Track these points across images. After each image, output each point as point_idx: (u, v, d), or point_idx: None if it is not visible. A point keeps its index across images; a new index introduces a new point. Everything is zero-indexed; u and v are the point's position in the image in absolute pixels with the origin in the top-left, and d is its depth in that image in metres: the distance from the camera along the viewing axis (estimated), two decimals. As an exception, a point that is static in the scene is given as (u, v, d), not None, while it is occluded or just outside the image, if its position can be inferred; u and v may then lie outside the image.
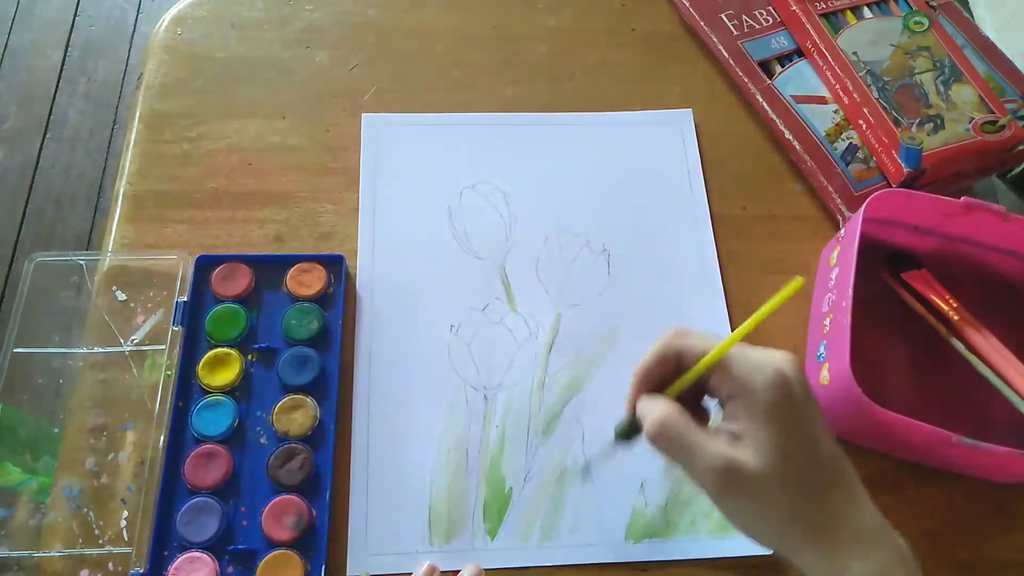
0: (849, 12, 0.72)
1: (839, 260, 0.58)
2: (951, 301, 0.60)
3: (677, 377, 0.42)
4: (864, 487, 0.41)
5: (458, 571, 0.50)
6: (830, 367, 0.54)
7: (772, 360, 0.39)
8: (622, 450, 0.45)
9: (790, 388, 0.39)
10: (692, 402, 0.43)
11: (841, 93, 0.68)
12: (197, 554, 0.51)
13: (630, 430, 0.44)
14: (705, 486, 0.40)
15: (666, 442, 0.40)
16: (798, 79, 0.71)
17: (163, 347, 0.57)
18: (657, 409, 0.40)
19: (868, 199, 0.57)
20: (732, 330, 0.61)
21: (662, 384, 0.43)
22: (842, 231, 0.60)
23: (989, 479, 0.56)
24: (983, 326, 0.58)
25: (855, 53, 0.69)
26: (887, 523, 0.40)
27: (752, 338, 0.62)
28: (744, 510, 0.40)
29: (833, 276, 0.58)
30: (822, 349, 0.56)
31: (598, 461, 0.55)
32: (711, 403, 0.44)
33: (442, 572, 0.49)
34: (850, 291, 0.53)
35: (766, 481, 0.38)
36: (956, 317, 0.59)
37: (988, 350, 0.57)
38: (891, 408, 0.49)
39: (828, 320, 0.57)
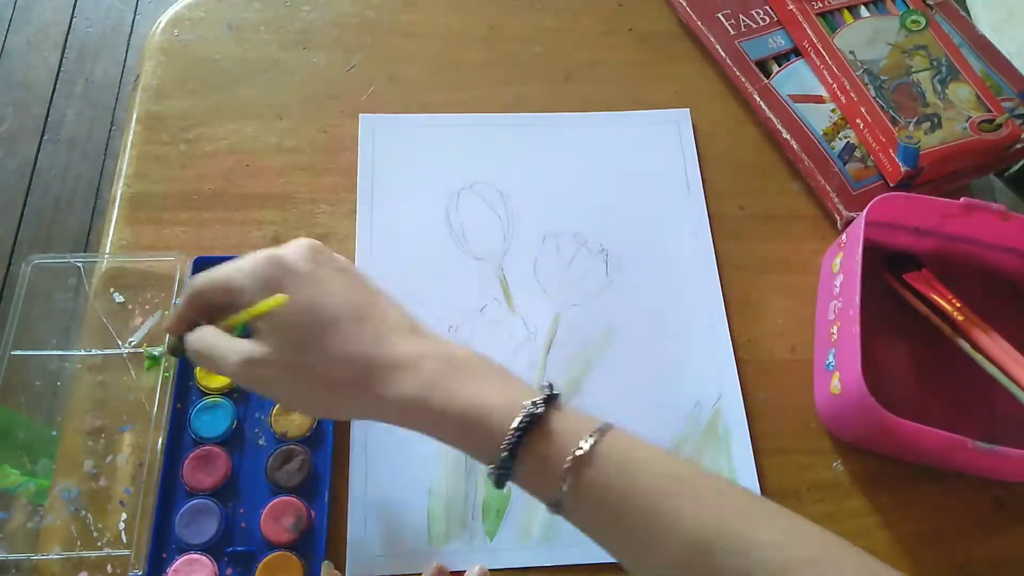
0: (846, 11, 0.72)
1: (842, 266, 0.58)
2: (954, 301, 0.60)
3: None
4: (409, 324, 0.43)
5: (462, 571, 0.50)
6: (841, 377, 0.54)
7: (265, 252, 0.42)
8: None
9: (276, 273, 0.41)
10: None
11: (838, 92, 0.68)
12: (196, 556, 0.51)
13: (175, 349, 0.46)
14: (242, 383, 0.43)
15: (202, 350, 0.43)
16: (795, 78, 0.71)
17: (159, 348, 0.57)
18: (196, 332, 0.44)
19: (869, 204, 0.57)
20: (731, 329, 0.61)
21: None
22: (843, 236, 0.60)
23: (997, 479, 0.56)
24: (987, 325, 0.58)
25: (852, 52, 0.69)
26: (432, 338, 0.42)
27: (753, 338, 0.62)
28: (281, 391, 0.42)
29: (837, 283, 0.58)
30: (831, 358, 0.56)
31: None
32: None
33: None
34: (857, 299, 0.53)
35: (275, 356, 0.40)
36: (960, 317, 0.59)
37: (993, 348, 0.57)
38: (899, 411, 0.49)
39: (835, 328, 0.57)
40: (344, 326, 0.41)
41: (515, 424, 0.37)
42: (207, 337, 0.43)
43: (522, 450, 0.37)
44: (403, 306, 0.44)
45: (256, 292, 0.41)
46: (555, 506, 0.38)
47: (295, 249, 0.42)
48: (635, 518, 0.36)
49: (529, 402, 0.38)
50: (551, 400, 0.38)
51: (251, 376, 0.41)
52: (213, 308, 0.44)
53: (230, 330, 0.44)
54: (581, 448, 0.36)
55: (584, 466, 0.36)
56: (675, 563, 0.35)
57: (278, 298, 0.40)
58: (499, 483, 0.38)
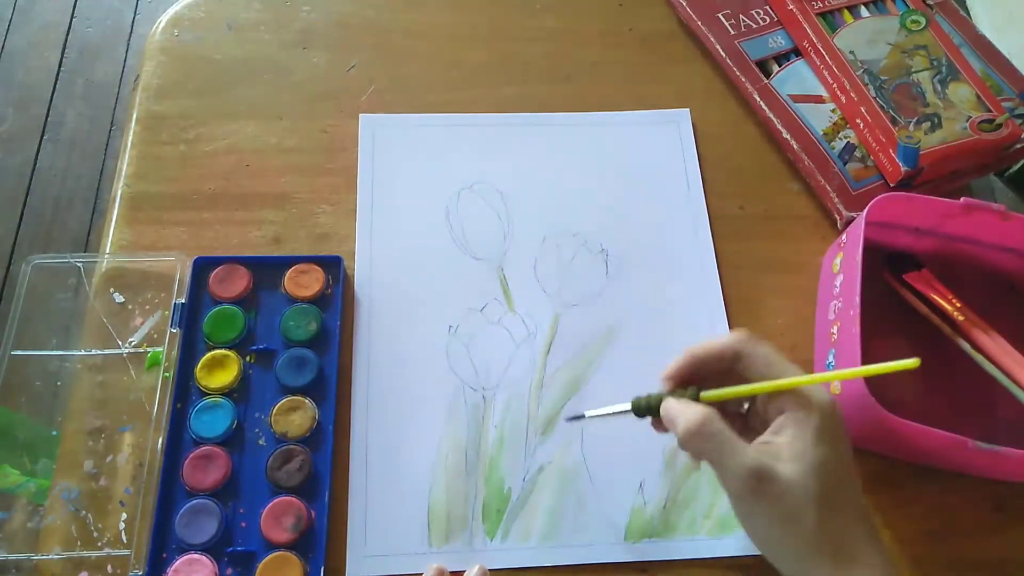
0: (846, 11, 0.72)
1: (842, 267, 0.58)
2: (954, 301, 0.60)
3: (718, 376, 0.43)
4: (868, 516, 0.41)
5: (462, 572, 0.50)
6: None
7: (829, 392, 0.42)
8: (626, 418, 0.46)
9: (839, 418, 0.41)
10: (727, 411, 0.44)
11: (838, 92, 0.68)
12: (196, 556, 0.51)
13: (644, 411, 0.44)
14: (734, 486, 0.40)
15: (703, 440, 0.40)
16: (795, 78, 0.71)
17: (161, 349, 0.57)
18: (697, 410, 0.41)
19: (869, 204, 0.57)
20: (731, 329, 0.61)
21: (699, 378, 0.44)
22: (843, 236, 0.60)
23: (997, 479, 0.56)
24: (987, 325, 0.58)
25: (852, 52, 0.69)
26: (897, 570, 0.41)
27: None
28: (769, 520, 0.40)
29: (837, 283, 0.58)
30: (831, 358, 0.56)
31: (594, 415, 0.50)
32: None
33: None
34: (857, 299, 0.53)
35: (798, 493, 0.38)
36: (960, 317, 0.59)
37: (993, 348, 0.57)
38: (899, 411, 0.49)
39: (836, 328, 0.57)
40: (855, 501, 0.41)
41: None
42: (716, 424, 0.40)
43: None
44: None
45: (804, 420, 0.40)
46: None
47: (838, 404, 0.42)
48: None
49: None
50: None
51: (754, 489, 0.39)
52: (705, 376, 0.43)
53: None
54: None
55: None
56: None
57: (911, 362, 0.38)
58: None
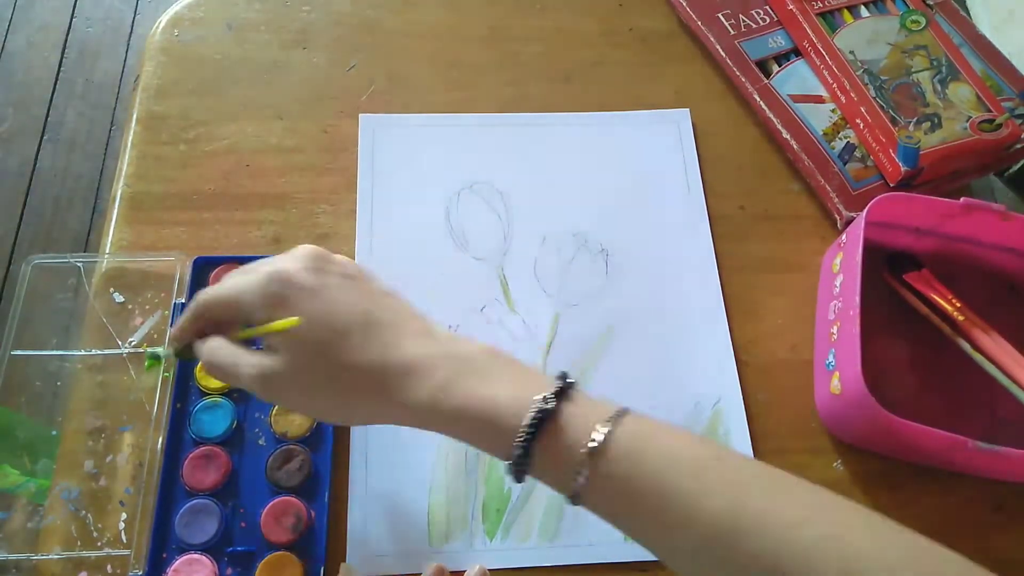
0: (846, 11, 0.72)
1: (842, 266, 0.58)
2: (954, 301, 0.60)
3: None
4: (419, 324, 0.42)
5: (462, 571, 0.50)
6: (841, 376, 0.54)
7: (261, 268, 0.42)
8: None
9: (282, 286, 0.41)
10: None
11: (838, 92, 0.68)
12: (196, 556, 0.51)
13: (183, 354, 0.47)
14: (260, 396, 0.43)
15: (215, 361, 0.43)
16: (795, 78, 0.71)
17: (161, 349, 0.57)
18: (208, 342, 0.44)
19: (869, 205, 0.57)
20: (731, 329, 0.61)
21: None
22: (843, 236, 0.60)
23: (997, 479, 0.56)
24: (987, 325, 0.58)
25: (852, 52, 0.69)
26: (443, 338, 0.42)
27: (753, 338, 0.62)
28: (299, 402, 0.43)
29: (837, 283, 0.58)
30: (831, 357, 0.56)
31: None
32: None
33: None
34: (857, 299, 0.53)
35: (292, 369, 0.40)
36: (960, 317, 0.59)
37: (993, 348, 0.57)
38: (898, 411, 0.49)
39: (835, 328, 0.57)
40: (355, 336, 0.40)
41: (526, 421, 0.37)
42: (220, 349, 0.43)
43: (536, 446, 0.37)
44: (413, 305, 0.44)
45: (263, 311, 0.41)
46: (574, 498, 0.37)
47: (299, 261, 0.42)
48: (654, 503, 0.36)
49: (540, 397, 0.37)
50: (564, 392, 0.38)
51: (266, 389, 0.42)
52: (218, 322, 0.45)
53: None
54: (594, 440, 0.36)
55: (599, 457, 0.36)
56: (698, 546, 0.35)
57: (292, 320, 0.40)
58: (518, 479, 0.38)
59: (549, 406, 0.37)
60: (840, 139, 0.67)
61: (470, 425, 0.39)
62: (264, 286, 0.41)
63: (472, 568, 0.50)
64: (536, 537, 0.54)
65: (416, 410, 0.39)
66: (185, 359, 0.47)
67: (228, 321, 0.45)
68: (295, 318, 0.40)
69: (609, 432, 0.36)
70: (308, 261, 0.42)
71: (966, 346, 0.58)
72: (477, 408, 0.38)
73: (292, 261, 0.42)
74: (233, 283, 0.43)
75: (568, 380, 0.39)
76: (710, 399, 0.59)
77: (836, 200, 0.65)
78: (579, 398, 0.39)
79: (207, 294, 0.44)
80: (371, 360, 0.40)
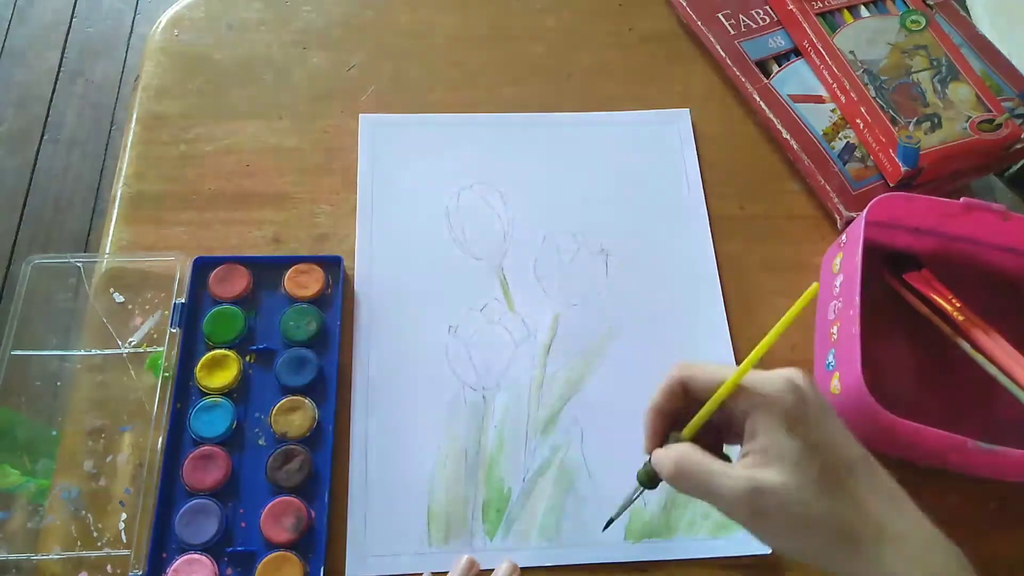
0: (846, 11, 0.72)
1: (842, 266, 0.58)
2: (954, 301, 0.60)
3: (687, 410, 0.41)
4: (892, 483, 0.39)
5: (490, 571, 0.50)
6: (840, 376, 0.54)
7: (781, 372, 0.39)
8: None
9: (802, 392, 0.38)
10: (712, 446, 0.42)
11: (838, 92, 0.68)
12: (196, 556, 0.51)
13: (651, 477, 0.43)
14: (737, 516, 0.38)
15: (686, 480, 0.39)
16: (795, 78, 0.71)
17: (161, 349, 0.57)
18: (672, 451, 0.40)
19: (869, 204, 0.57)
20: (731, 329, 0.61)
21: (675, 421, 0.42)
22: (843, 236, 0.60)
23: (997, 479, 0.56)
24: (987, 325, 0.58)
25: (852, 52, 0.69)
26: (938, 531, 0.38)
27: (753, 338, 0.62)
28: (782, 529, 0.38)
29: (837, 283, 0.58)
30: (831, 357, 0.56)
31: (623, 509, 0.50)
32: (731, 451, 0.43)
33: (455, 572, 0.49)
34: (857, 299, 0.53)
35: (795, 491, 0.37)
36: (960, 317, 0.59)
37: (993, 348, 0.57)
38: (898, 411, 0.49)
39: (835, 328, 0.57)
40: (862, 475, 0.38)
41: None
42: (692, 456, 0.39)
43: None
44: None
45: (767, 413, 0.38)
46: None
47: (806, 377, 0.39)
48: None
49: None
50: None
51: (754, 508, 0.37)
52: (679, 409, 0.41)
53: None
54: None
55: None
56: None
57: (812, 288, 0.37)
58: None
59: None
60: (840, 139, 0.67)
61: None
62: (787, 388, 0.38)
63: (501, 565, 0.50)
64: (536, 537, 0.54)
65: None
66: (653, 484, 0.43)
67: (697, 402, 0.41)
68: (812, 286, 0.37)
69: None
70: (813, 385, 0.39)
71: (966, 346, 0.58)
72: None
73: (803, 374, 0.39)
74: (744, 376, 0.39)
75: None
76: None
77: (836, 200, 0.65)
78: None
79: (699, 376, 0.40)
80: (877, 509, 0.37)
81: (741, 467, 0.38)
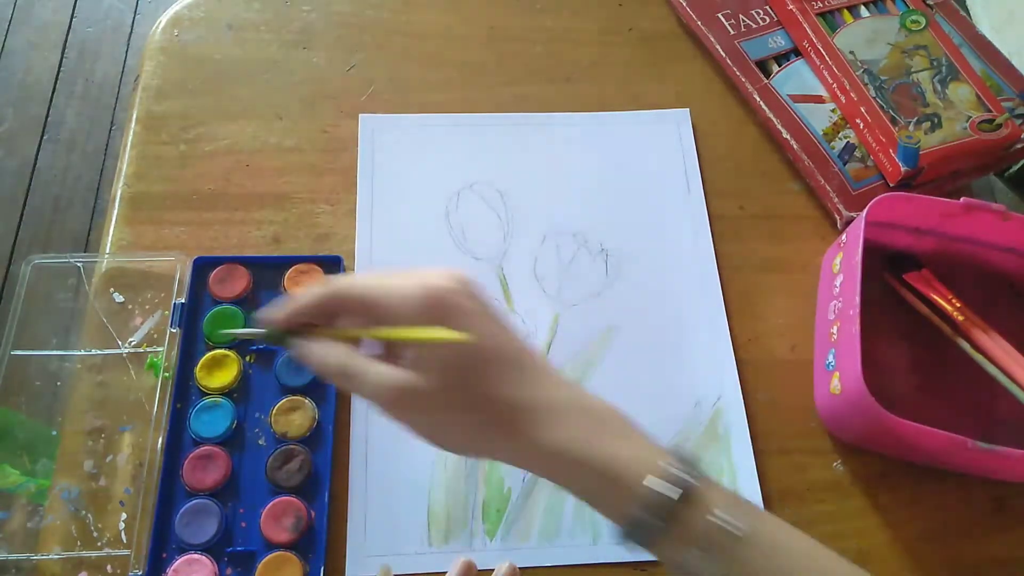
0: (846, 11, 0.72)
1: (842, 266, 0.58)
2: (954, 301, 0.60)
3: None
4: (553, 368, 0.41)
5: (490, 571, 0.50)
6: (841, 377, 0.54)
7: (419, 279, 0.39)
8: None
9: (442, 300, 0.39)
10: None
11: (838, 92, 0.68)
12: (196, 556, 0.51)
13: (280, 338, 0.43)
14: (385, 411, 0.40)
15: (345, 376, 0.40)
16: (795, 78, 0.71)
17: (161, 349, 0.57)
18: (333, 350, 0.40)
19: (869, 204, 0.57)
20: (731, 329, 0.61)
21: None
22: (843, 236, 0.60)
23: (997, 479, 0.56)
24: (987, 325, 0.58)
25: (852, 52, 0.69)
26: (585, 392, 0.40)
27: (753, 338, 0.62)
28: (430, 428, 0.40)
29: (837, 283, 0.58)
30: (831, 358, 0.56)
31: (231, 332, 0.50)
32: None
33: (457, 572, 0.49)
34: (856, 299, 0.53)
35: (439, 394, 0.38)
36: (960, 317, 0.59)
37: (993, 348, 0.57)
38: (899, 410, 0.49)
39: (835, 328, 0.57)
40: (505, 367, 0.39)
41: (663, 488, 0.36)
42: (346, 356, 0.40)
43: (670, 516, 0.36)
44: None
45: (407, 320, 0.39)
46: (677, 568, 0.37)
47: (456, 282, 0.40)
48: None
49: (680, 471, 0.37)
50: (699, 471, 0.38)
51: (397, 405, 0.39)
52: (337, 314, 0.42)
53: (349, 340, 0.41)
54: (738, 528, 0.36)
55: (735, 543, 0.36)
56: None
57: (462, 336, 0.38)
58: (629, 542, 0.38)
59: (693, 481, 0.37)
60: (840, 139, 0.67)
61: (596, 478, 0.38)
62: (424, 297, 0.38)
63: (501, 566, 0.50)
64: (536, 537, 0.54)
65: (547, 453, 0.38)
66: (278, 345, 0.44)
67: (355, 315, 0.42)
68: (467, 335, 0.38)
69: (749, 521, 0.36)
70: (466, 286, 0.40)
71: (966, 346, 0.58)
72: (608, 464, 0.38)
73: (449, 280, 0.40)
74: (381, 284, 0.40)
75: (697, 461, 0.38)
76: (710, 399, 0.59)
77: (836, 200, 0.65)
78: (713, 480, 0.38)
79: (345, 285, 0.41)
80: (519, 396, 0.39)
81: (387, 367, 0.39)
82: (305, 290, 0.42)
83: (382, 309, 0.40)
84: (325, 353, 0.41)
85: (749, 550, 0.36)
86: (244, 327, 0.58)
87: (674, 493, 0.36)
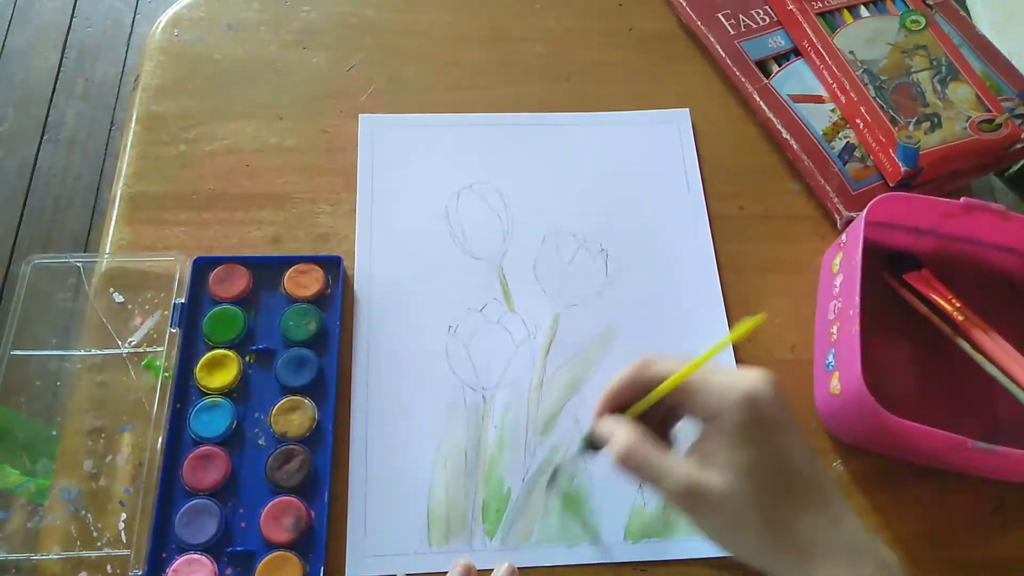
0: (846, 11, 0.72)
1: (842, 266, 0.58)
2: (954, 301, 0.60)
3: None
4: (847, 503, 0.41)
5: (489, 571, 0.50)
6: (840, 376, 0.54)
7: (741, 381, 0.40)
8: (589, 460, 0.51)
9: (759, 408, 0.39)
10: (661, 429, 0.44)
11: (838, 92, 0.68)
12: (196, 556, 0.51)
13: (593, 444, 0.46)
14: (674, 507, 0.40)
15: (631, 465, 0.41)
16: (795, 78, 0.71)
17: (161, 349, 0.57)
18: (621, 432, 0.41)
19: (869, 204, 0.57)
20: (730, 330, 0.61)
21: (627, 407, 0.44)
22: (843, 236, 0.60)
23: (997, 479, 0.56)
24: (987, 325, 0.58)
25: (852, 52, 0.69)
26: (874, 539, 0.40)
27: (753, 338, 0.62)
28: (715, 529, 0.40)
29: (837, 283, 0.58)
30: (831, 357, 0.56)
31: (565, 470, 0.55)
32: (685, 427, 0.45)
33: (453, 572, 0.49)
34: (856, 299, 0.53)
35: (733, 501, 0.38)
36: (960, 317, 0.59)
37: (993, 348, 0.57)
38: (899, 411, 0.49)
39: (835, 328, 0.57)
40: (802, 491, 0.39)
41: None
42: (641, 447, 0.40)
43: None
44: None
45: (725, 427, 0.39)
46: None
47: (770, 389, 0.40)
48: None
49: None
50: None
51: (692, 505, 0.39)
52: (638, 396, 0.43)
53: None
54: None
55: None
56: None
57: (760, 317, 0.39)
58: None
59: None
60: (840, 139, 0.67)
61: None
62: (743, 401, 0.39)
63: (500, 567, 0.50)
64: (536, 537, 0.54)
65: None
66: (595, 450, 0.46)
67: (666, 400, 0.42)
68: (764, 315, 0.38)
69: None
70: (777, 392, 0.40)
71: (966, 346, 0.58)
72: None
73: (766, 385, 0.40)
74: (702, 378, 0.40)
75: None
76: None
77: (836, 200, 0.65)
78: None
79: (661, 372, 0.41)
80: (810, 524, 0.38)
81: (685, 462, 0.40)
82: (618, 378, 0.43)
83: (698, 403, 0.40)
84: (630, 446, 0.41)
85: None
86: (244, 328, 0.58)
87: None
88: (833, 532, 0.39)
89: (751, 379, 0.40)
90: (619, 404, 0.44)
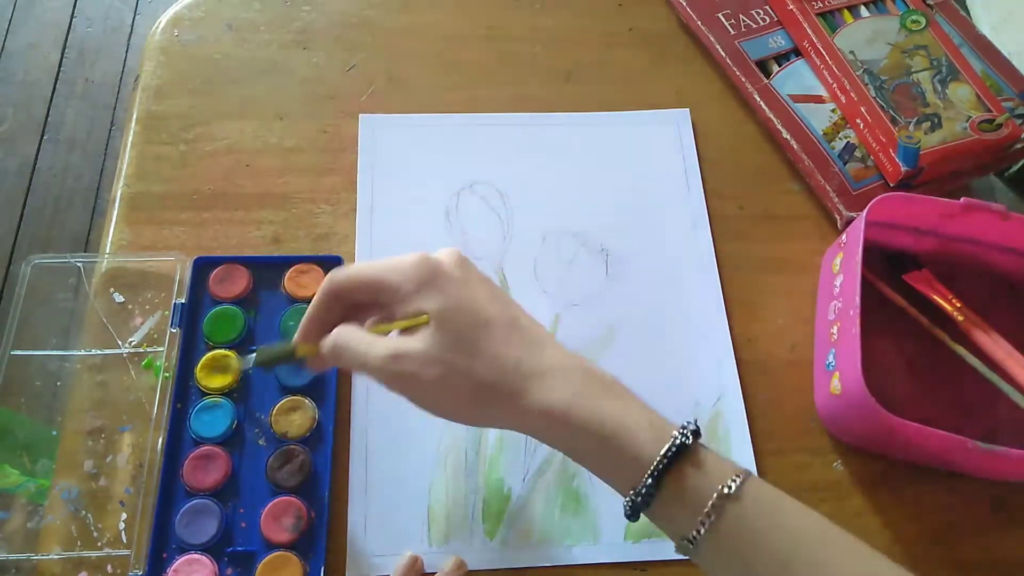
0: (846, 11, 0.72)
1: (842, 267, 0.58)
2: (954, 301, 0.60)
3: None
4: (555, 342, 0.42)
5: (489, 571, 0.50)
6: (841, 377, 0.54)
7: (408, 257, 0.41)
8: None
9: (436, 265, 0.41)
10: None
11: (838, 92, 0.68)
12: (196, 556, 0.51)
13: (278, 357, 0.45)
14: (383, 381, 0.41)
15: (338, 351, 0.42)
16: (795, 78, 0.71)
17: (161, 349, 0.57)
18: (336, 331, 0.43)
19: (869, 204, 0.57)
20: (731, 329, 0.61)
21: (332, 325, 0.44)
22: (843, 236, 0.60)
23: (997, 479, 0.56)
24: (987, 325, 0.58)
25: (852, 52, 0.69)
26: (582, 358, 0.41)
27: (753, 338, 0.62)
28: (431, 392, 0.41)
29: (837, 283, 0.58)
30: (831, 358, 0.56)
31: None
32: None
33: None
34: (857, 299, 0.53)
35: (435, 351, 0.39)
36: (960, 317, 0.59)
37: (993, 348, 0.57)
38: (899, 411, 0.49)
39: (835, 328, 0.57)
40: (498, 329, 0.40)
41: (663, 450, 0.37)
42: (347, 332, 0.42)
43: (669, 478, 0.37)
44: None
45: (411, 290, 0.40)
46: (688, 542, 0.37)
47: (446, 255, 0.42)
48: (772, 563, 0.36)
49: (677, 431, 0.38)
50: (697, 434, 0.38)
51: (397, 372, 0.40)
52: (351, 309, 0.44)
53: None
54: (729, 485, 0.36)
55: (730, 502, 0.36)
56: None
57: (425, 318, 0.40)
58: (634, 512, 0.38)
59: (688, 441, 0.37)
60: (840, 139, 0.67)
61: (597, 441, 0.38)
62: (414, 266, 0.40)
63: (447, 561, 0.50)
64: (536, 537, 0.54)
65: (544, 415, 0.39)
66: (270, 366, 0.46)
67: (364, 306, 0.43)
68: (425, 316, 0.39)
69: (742, 482, 0.37)
70: (455, 257, 0.42)
71: (962, 351, 0.58)
72: (608, 424, 0.38)
73: (444, 253, 0.42)
74: (374, 265, 0.42)
75: (697, 426, 0.39)
76: (710, 399, 0.59)
77: (836, 200, 0.65)
78: (708, 447, 0.39)
79: (344, 275, 0.43)
80: (510, 355, 0.40)
81: (389, 337, 0.41)
82: (314, 298, 0.43)
83: (385, 285, 0.41)
84: (339, 332, 0.42)
85: (741, 508, 0.37)
86: (244, 328, 0.58)
87: (669, 452, 0.37)
88: (539, 358, 0.40)
89: (419, 254, 0.41)
90: (323, 328, 0.44)
